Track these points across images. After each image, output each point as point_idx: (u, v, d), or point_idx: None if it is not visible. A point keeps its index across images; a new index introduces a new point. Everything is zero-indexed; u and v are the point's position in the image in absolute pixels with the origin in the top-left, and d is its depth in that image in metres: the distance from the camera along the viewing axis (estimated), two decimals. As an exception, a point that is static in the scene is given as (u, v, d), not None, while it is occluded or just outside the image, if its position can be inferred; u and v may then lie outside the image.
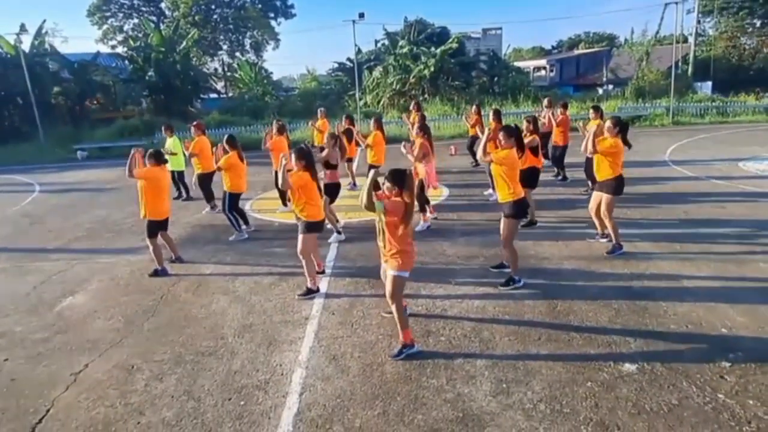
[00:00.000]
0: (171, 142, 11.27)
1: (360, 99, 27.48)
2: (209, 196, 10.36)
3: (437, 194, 10.44)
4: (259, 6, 43.44)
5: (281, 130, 9.94)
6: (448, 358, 4.49)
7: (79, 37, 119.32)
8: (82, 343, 5.20)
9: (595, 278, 6.04)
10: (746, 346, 4.44)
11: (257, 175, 11.92)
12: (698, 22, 35.64)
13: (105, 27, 41.87)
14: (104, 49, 38.64)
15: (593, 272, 6.23)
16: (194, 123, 10.78)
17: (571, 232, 7.80)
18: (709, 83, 31.57)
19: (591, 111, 9.96)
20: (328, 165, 8.02)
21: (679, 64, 23.07)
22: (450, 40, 29.86)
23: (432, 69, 27.96)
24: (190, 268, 7.21)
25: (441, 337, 4.86)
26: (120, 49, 38.67)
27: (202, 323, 5.48)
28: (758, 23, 38.18)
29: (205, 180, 10.19)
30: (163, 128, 11.85)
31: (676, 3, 22.57)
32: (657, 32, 34.30)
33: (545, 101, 12.65)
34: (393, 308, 4.54)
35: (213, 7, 41.81)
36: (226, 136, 8.56)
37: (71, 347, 5.15)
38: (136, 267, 7.35)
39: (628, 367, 4.20)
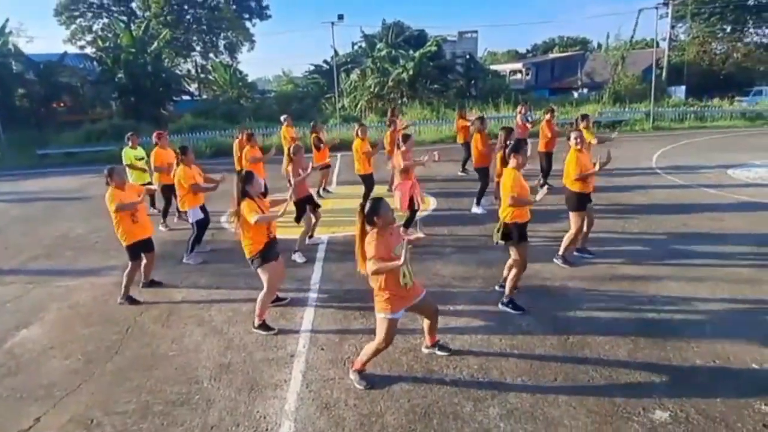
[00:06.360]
0: (136, 154, 10.00)
1: (337, 102, 26.89)
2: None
3: (424, 206, 9.85)
4: (234, 7, 42.58)
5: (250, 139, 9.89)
6: (456, 406, 3.96)
7: (46, 37, 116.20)
8: (35, 390, 4.52)
9: (605, 303, 5.59)
10: (781, 385, 4.03)
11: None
12: (671, 27, 36.00)
13: (73, 27, 40.48)
14: (72, 49, 37.31)
15: (601, 296, 5.78)
16: (156, 133, 9.71)
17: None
18: (683, 88, 31.99)
19: (580, 119, 9.55)
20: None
21: (653, 68, 23.02)
22: (429, 43, 29.50)
23: (411, 72, 27.52)
24: (159, 292, 6.53)
25: (445, 378, 4.33)
26: (89, 50, 37.47)
27: (173, 362, 4.85)
28: (728, 29, 38.87)
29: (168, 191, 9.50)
30: (129, 138, 10.05)
31: (656, 8, 22.56)
32: (632, 37, 34.64)
33: (521, 108, 12.49)
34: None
35: (186, 7, 40.82)
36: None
37: (21, 394, 4.47)
38: (99, 292, 6.66)
39: (660, 415, 3.73)
